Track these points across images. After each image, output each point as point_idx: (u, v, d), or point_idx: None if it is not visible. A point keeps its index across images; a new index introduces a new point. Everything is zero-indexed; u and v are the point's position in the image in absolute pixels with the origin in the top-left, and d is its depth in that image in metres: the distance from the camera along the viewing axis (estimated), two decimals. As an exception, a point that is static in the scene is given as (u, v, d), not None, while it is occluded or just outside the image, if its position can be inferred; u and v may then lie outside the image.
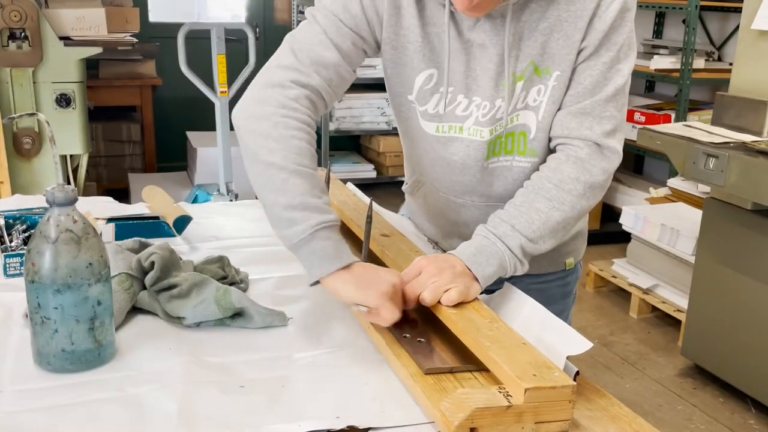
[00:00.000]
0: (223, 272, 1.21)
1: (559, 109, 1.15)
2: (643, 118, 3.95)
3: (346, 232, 1.32)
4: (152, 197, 1.59)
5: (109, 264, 0.97)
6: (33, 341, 0.96)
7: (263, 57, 4.90)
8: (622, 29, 1.11)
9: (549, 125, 1.16)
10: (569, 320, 1.44)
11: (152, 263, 1.11)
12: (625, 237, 3.53)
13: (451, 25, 1.13)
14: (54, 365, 0.95)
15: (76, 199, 0.94)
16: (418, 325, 1.05)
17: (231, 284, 1.20)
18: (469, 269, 1.06)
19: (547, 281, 1.35)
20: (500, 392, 0.84)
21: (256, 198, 1.38)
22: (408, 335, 1.00)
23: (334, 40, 1.15)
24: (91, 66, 3.95)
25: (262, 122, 1.08)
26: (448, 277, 1.03)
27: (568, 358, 0.94)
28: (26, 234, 1.35)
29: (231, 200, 3.58)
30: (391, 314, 0.99)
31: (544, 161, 1.17)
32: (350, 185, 1.76)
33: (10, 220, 1.36)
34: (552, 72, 1.13)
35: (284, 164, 1.04)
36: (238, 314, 1.08)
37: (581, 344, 0.96)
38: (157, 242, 1.20)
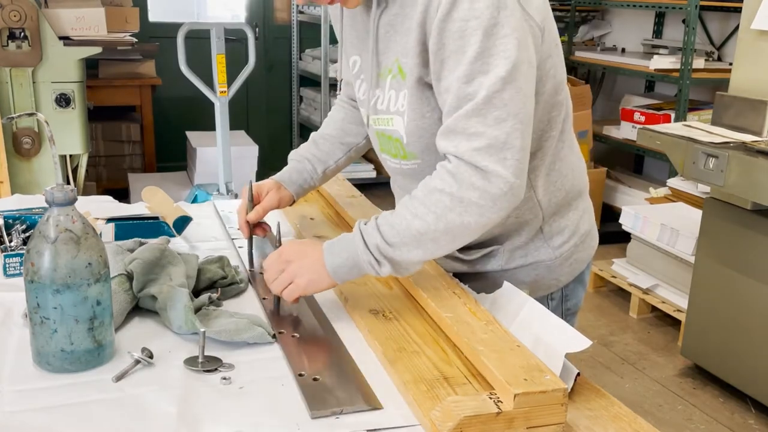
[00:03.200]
0: (223, 272, 1.21)
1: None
2: (642, 118, 3.95)
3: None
4: (152, 197, 1.59)
5: (108, 264, 0.97)
6: (32, 341, 0.96)
7: (263, 57, 4.89)
8: (467, 39, 1.01)
9: (414, 130, 1.13)
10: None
11: (133, 269, 1.12)
12: (624, 237, 3.53)
13: (364, 13, 1.18)
14: (53, 365, 0.95)
15: (76, 199, 0.94)
16: (314, 362, 1.00)
17: (230, 284, 1.20)
18: (323, 255, 1.09)
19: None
20: (491, 398, 0.83)
21: (252, 198, 1.39)
22: (304, 373, 0.96)
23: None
24: (90, 66, 3.94)
25: None
26: (294, 269, 1.10)
27: (567, 356, 0.94)
28: (26, 234, 1.35)
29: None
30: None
31: (428, 160, 1.15)
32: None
33: (10, 220, 1.36)
34: (408, 76, 1.10)
35: None
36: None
37: (580, 342, 0.96)
38: (152, 241, 1.20)
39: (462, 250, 1.22)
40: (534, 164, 1.16)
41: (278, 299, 1.16)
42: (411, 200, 1.07)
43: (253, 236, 1.38)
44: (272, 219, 1.54)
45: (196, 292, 1.15)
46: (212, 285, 1.19)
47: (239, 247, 1.41)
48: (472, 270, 1.27)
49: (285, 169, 1.44)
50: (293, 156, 1.44)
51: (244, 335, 1.02)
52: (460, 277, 1.25)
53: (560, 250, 1.24)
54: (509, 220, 1.20)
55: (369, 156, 5.09)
